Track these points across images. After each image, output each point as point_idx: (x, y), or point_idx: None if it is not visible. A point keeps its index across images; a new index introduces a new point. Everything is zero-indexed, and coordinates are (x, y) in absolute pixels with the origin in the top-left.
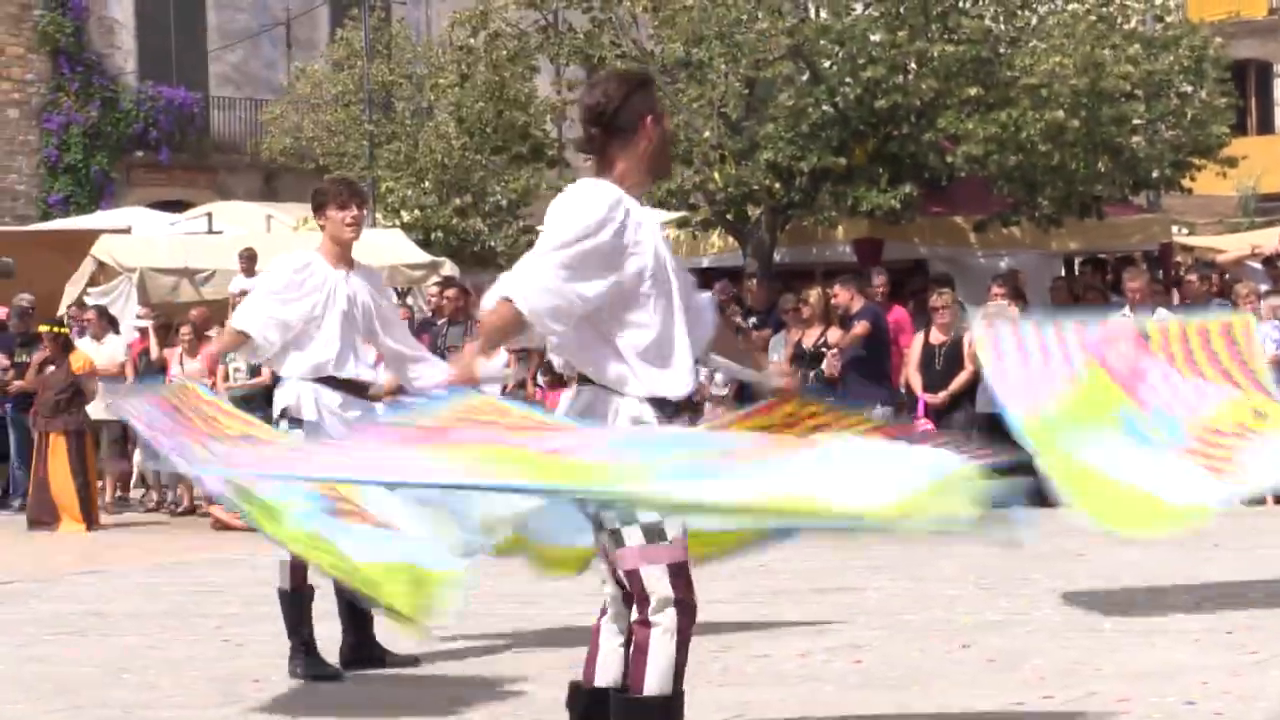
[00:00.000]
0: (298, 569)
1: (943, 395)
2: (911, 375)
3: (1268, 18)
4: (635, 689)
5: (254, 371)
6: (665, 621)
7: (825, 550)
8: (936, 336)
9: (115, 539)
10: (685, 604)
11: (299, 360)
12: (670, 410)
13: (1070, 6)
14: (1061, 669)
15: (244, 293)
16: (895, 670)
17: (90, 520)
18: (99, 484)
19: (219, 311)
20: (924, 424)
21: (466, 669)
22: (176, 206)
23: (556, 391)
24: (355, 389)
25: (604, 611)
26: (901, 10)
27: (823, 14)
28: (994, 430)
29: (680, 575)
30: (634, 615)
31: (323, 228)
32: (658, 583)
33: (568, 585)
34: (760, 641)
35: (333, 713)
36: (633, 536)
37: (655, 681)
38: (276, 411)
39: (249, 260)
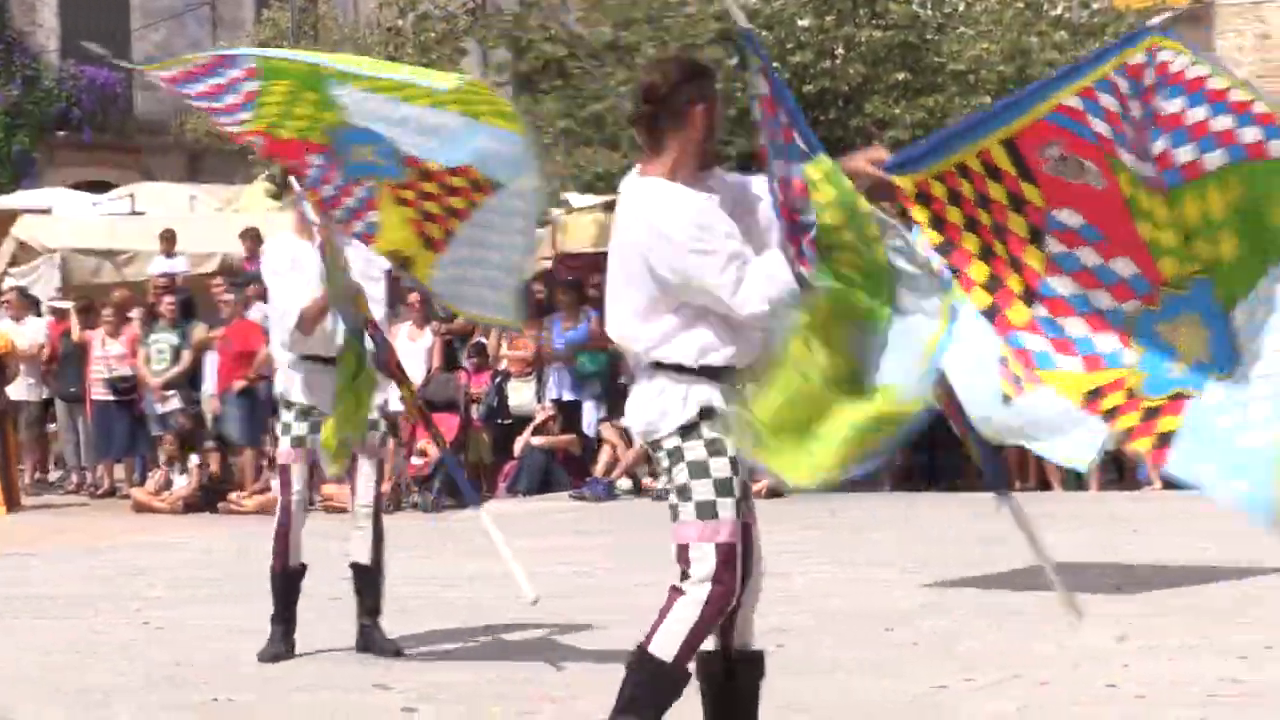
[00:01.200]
0: (280, 550)
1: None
2: None
3: (1191, 5)
4: (645, 643)
5: (176, 355)
6: (696, 593)
7: None
8: None
9: (36, 521)
10: (721, 585)
11: (300, 342)
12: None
13: None
14: (985, 652)
15: (165, 274)
16: (820, 655)
17: (11, 502)
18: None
19: (141, 293)
20: None
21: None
22: (99, 187)
23: (482, 374)
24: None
25: None
26: None
27: None
28: None
29: (727, 558)
30: (675, 583)
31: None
32: (702, 563)
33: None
34: None
35: (252, 691)
36: (687, 512)
37: (661, 642)
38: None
39: (169, 241)
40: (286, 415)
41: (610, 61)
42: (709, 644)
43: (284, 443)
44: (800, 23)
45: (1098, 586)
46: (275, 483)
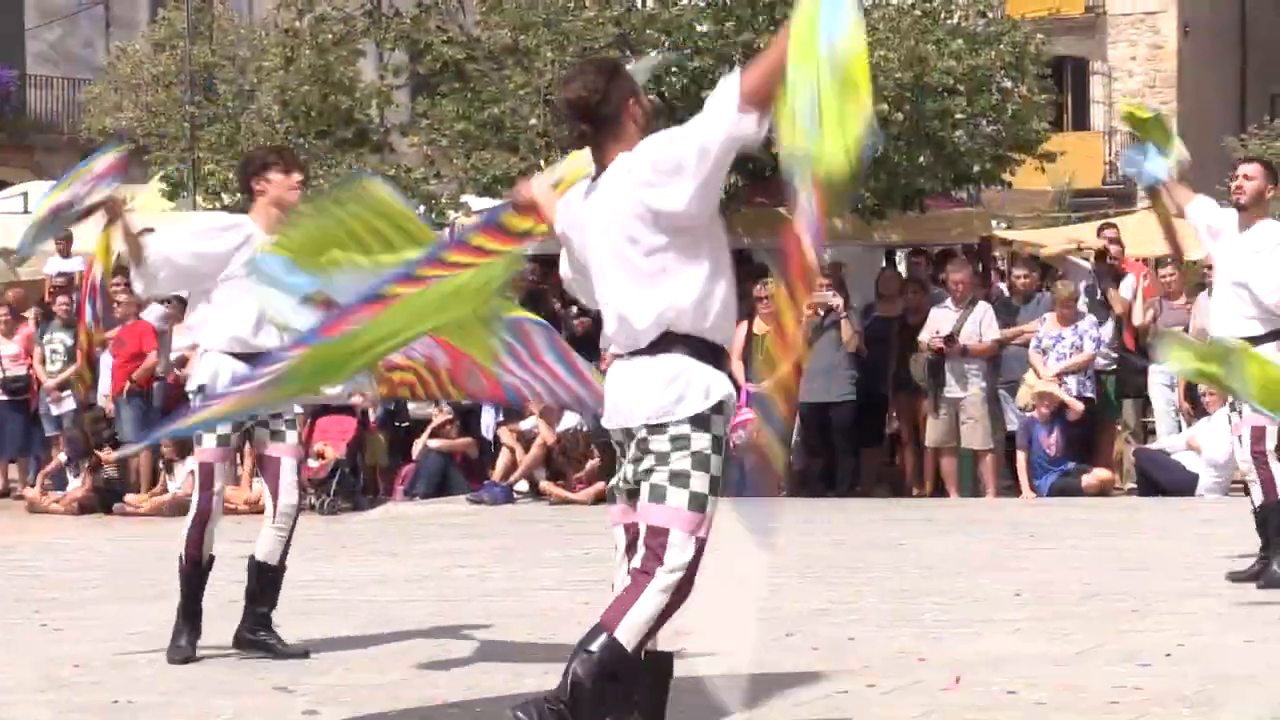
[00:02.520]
0: (195, 540)
1: (765, 385)
2: (735, 365)
3: (1085, 15)
4: (609, 625)
5: (70, 356)
6: (666, 580)
7: None
8: (760, 326)
9: None
10: (690, 579)
11: (218, 329)
12: None
13: (895, 1)
14: (885, 658)
15: (61, 274)
16: (719, 658)
17: None
18: None
19: (35, 292)
20: (747, 413)
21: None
22: None
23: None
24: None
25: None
26: (728, 1)
27: (649, 3)
28: (815, 420)
29: (700, 553)
30: (637, 563)
31: (260, 193)
32: (681, 552)
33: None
34: (582, 629)
35: (152, 693)
36: (678, 498)
37: (627, 630)
38: (193, 386)
39: (65, 241)
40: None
41: (509, 64)
42: None
43: (208, 440)
44: (699, 28)
45: (997, 593)
46: (176, 481)
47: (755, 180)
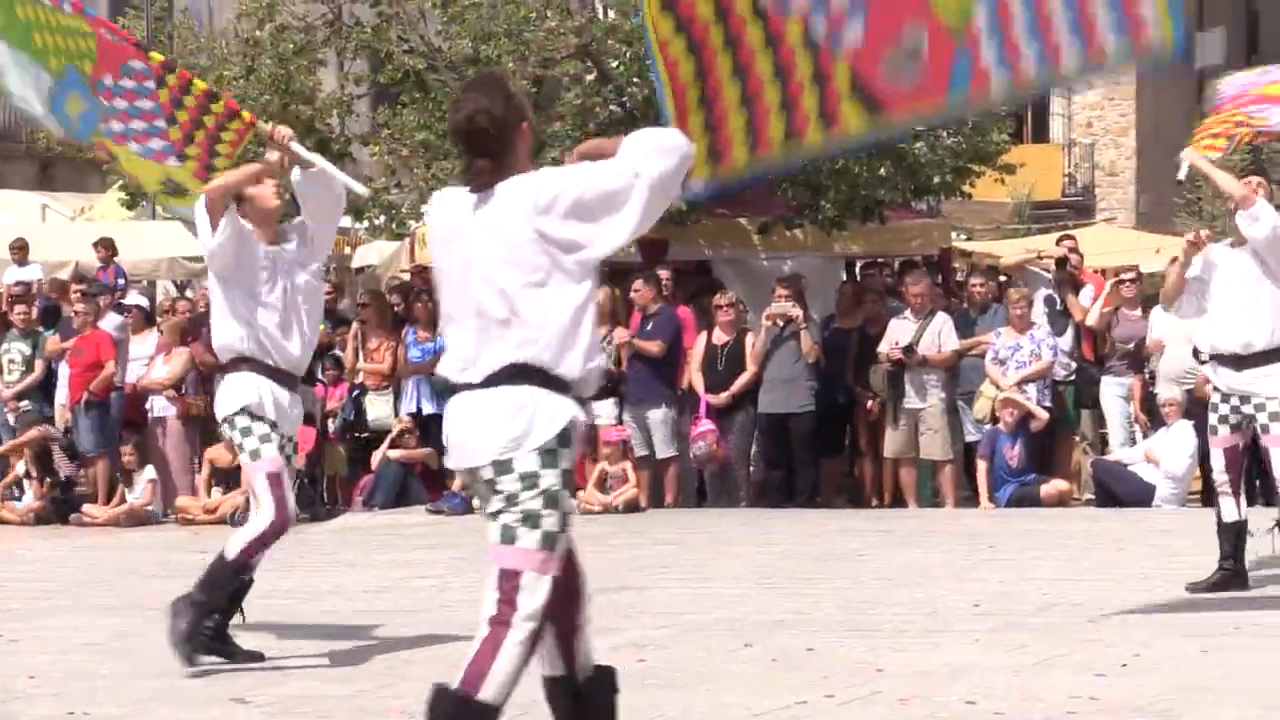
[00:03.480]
0: (257, 548)
1: (724, 396)
2: (694, 375)
3: None
4: (471, 687)
5: (29, 365)
6: (525, 633)
7: (610, 550)
8: (719, 337)
9: None
10: (542, 623)
11: (246, 339)
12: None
13: None
14: (844, 669)
15: (19, 283)
16: (679, 669)
17: None
18: None
19: None
20: (706, 424)
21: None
22: None
23: (339, 387)
24: (288, 380)
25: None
26: None
27: (611, 14)
28: (775, 431)
29: (553, 594)
30: (491, 609)
31: (243, 200)
32: (533, 595)
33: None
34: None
35: (110, 704)
36: (530, 539)
37: (494, 689)
38: (233, 408)
39: (21, 250)
40: (260, 427)
41: (470, 74)
42: (553, 670)
43: (267, 450)
44: None
45: (956, 604)
46: (134, 492)
47: (716, 191)
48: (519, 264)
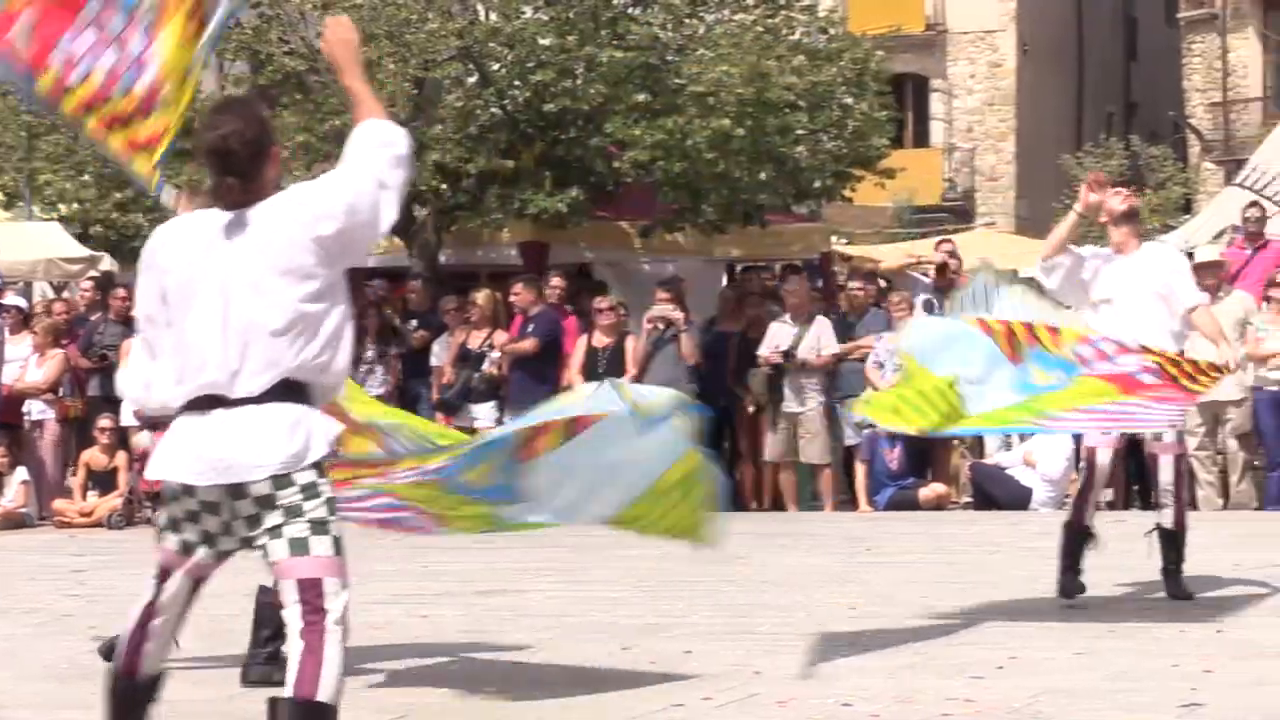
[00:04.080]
0: None
1: None
2: (575, 378)
3: (926, 33)
4: (309, 693)
5: None
6: (340, 633)
7: (488, 552)
8: (600, 340)
9: None
10: (348, 625)
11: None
12: None
13: (737, 17)
14: (721, 671)
15: None
16: (557, 673)
17: None
18: None
19: None
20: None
21: None
22: None
23: None
24: None
25: (154, 607)
26: (571, 15)
27: (492, 16)
28: None
29: (348, 593)
30: (301, 623)
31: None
32: (338, 598)
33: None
34: (422, 644)
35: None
36: (324, 546)
37: (329, 689)
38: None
39: None
40: None
41: None
42: (116, 665)
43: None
44: (542, 41)
45: (833, 606)
46: (6, 495)
47: (597, 194)
48: (292, 275)
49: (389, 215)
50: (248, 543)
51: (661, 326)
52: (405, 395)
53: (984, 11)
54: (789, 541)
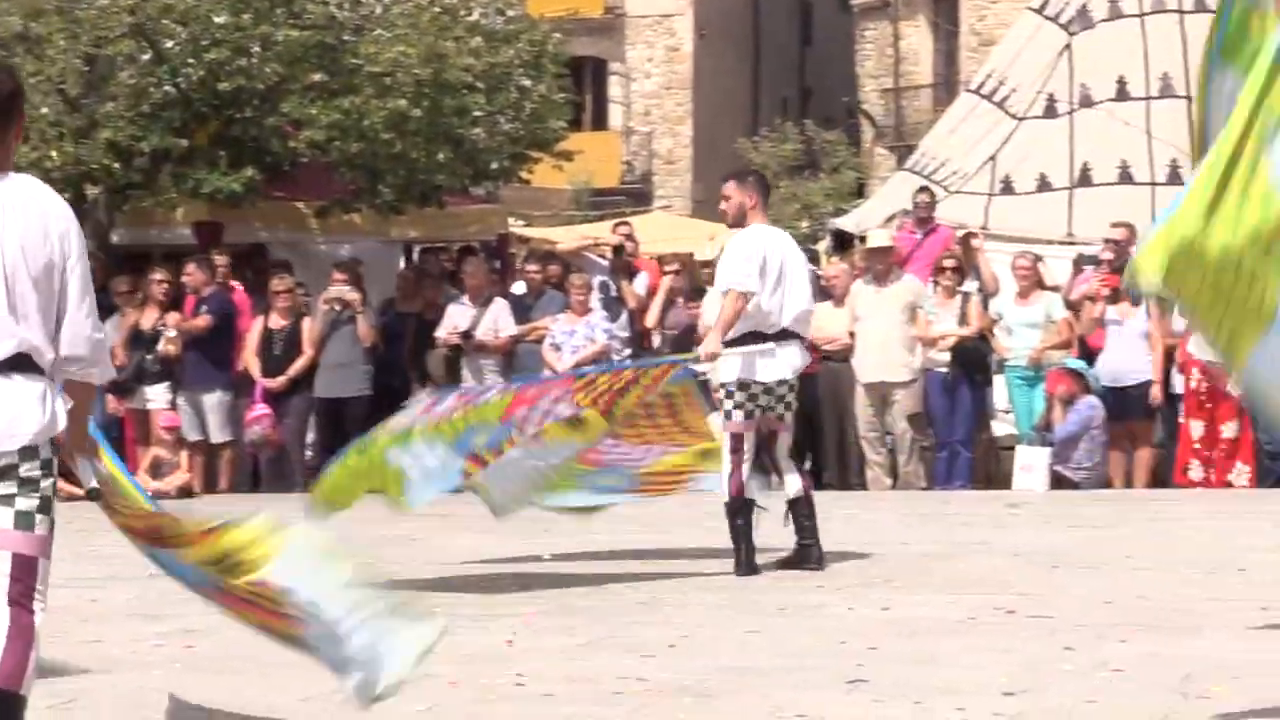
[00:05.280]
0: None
1: (281, 380)
2: (250, 359)
3: (604, 16)
4: (15, 683)
5: None
6: (41, 620)
7: None
8: (276, 321)
9: None
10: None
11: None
12: None
13: None
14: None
15: None
16: (229, 656)
17: None
18: None
19: None
20: (261, 408)
21: None
22: None
23: None
24: None
25: None
26: None
27: None
28: (330, 415)
29: None
30: (6, 602)
31: None
32: (46, 581)
33: None
34: (91, 626)
35: None
36: (44, 527)
37: (30, 680)
38: None
39: None
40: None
41: (19, 53)
42: None
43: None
44: (216, 20)
45: (504, 587)
46: None
47: (273, 173)
48: (43, 243)
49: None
50: None
51: (338, 308)
52: None
53: None
54: (465, 522)
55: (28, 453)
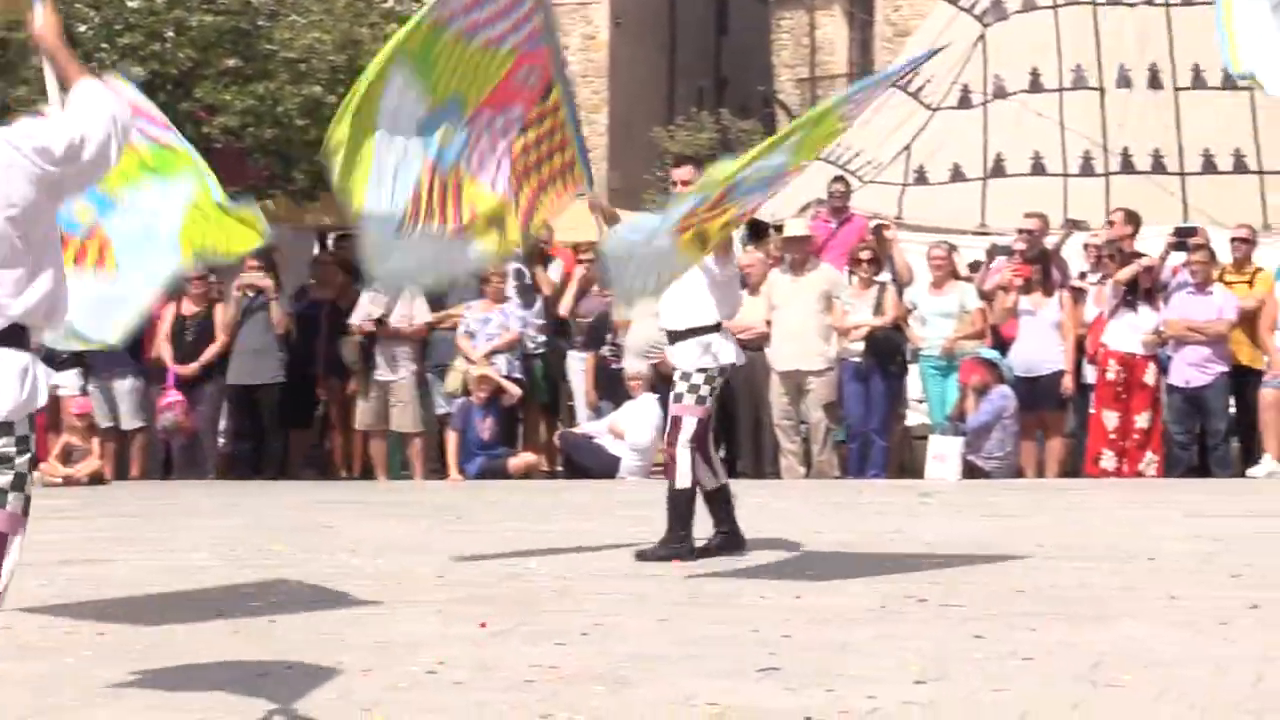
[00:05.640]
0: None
1: (194, 366)
2: (162, 346)
3: None
4: None
5: None
6: (2, 604)
7: (72, 522)
8: (189, 308)
9: None
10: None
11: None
12: None
13: None
14: (309, 639)
15: None
16: (140, 643)
17: None
18: None
19: None
20: (174, 395)
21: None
22: None
23: None
24: None
25: None
26: None
27: None
28: (243, 402)
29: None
30: None
31: None
32: (12, 560)
33: None
34: (4, 614)
35: None
36: (17, 504)
37: None
38: None
39: None
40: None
41: None
42: None
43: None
44: (130, 4)
45: (421, 574)
46: None
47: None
48: (24, 213)
49: (114, 156)
50: None
51: (251, 294)
52: None
53: None
54: (378, 510)
55: (2, 428)
